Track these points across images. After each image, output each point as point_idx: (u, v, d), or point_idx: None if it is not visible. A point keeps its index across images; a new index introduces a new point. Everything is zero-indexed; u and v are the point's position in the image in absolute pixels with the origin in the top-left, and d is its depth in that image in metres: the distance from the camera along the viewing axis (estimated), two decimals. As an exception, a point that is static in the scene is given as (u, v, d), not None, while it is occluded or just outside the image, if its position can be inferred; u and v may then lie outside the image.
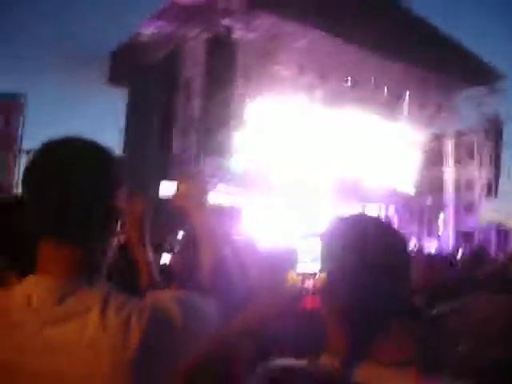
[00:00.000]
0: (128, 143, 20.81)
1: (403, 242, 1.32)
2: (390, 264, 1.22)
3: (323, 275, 1.32)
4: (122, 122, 20.84)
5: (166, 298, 1.23)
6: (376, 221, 1.36)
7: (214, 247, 1.67)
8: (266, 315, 1.33)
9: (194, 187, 1.75)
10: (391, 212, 22.63)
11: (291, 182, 17.82)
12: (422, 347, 1.19)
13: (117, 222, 1.29)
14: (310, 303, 1.38)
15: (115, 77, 20.76)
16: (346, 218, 1.35)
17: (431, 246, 20.60)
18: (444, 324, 1.76)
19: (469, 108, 23.19)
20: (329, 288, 1.27)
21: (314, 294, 1.37)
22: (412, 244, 20.46)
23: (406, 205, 23.43)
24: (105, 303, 1.15)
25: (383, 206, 21.96)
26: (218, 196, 16.01)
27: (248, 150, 17.41)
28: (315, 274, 1.37)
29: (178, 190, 1.76)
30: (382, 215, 20.66)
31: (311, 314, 1.42)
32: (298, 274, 1.40)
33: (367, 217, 1.40)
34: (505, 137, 22.34)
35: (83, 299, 1.16)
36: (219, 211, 14.34)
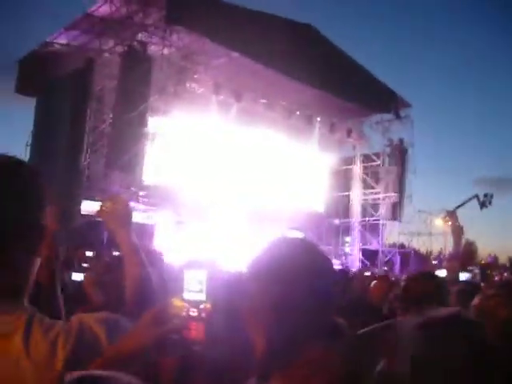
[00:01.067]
0: (35, 156, 19.93)
1: (328, 262, 1.29)
2: (316, 284, 1.19)
3: (208, 305, 1.34)
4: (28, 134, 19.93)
5: (91, 319, 1.23)
6: (303, 242, 1.34)
7: (139, 264, 1.69)
8: (145, 342, 1.28)
9: (119, 206, 1.78)
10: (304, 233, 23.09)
11: (201, 199, 17.80)
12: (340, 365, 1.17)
13: (39, 242, 1.25)
14: (193, 331, 1.37)
15: (24, 86, 19.81)
16: (275, 242, 1.30)
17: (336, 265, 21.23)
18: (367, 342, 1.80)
19: (376, 134, 24.37)
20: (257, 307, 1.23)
21: (197, 322, 1.36)
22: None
23: (316, 225, 24.05)
24: (28, 327, 1.11)
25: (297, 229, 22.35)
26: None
27: (158, 165, 17.17)
28: (201, 303, 1.38)
29: (103, 208, 1.79)
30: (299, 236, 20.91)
31: (194, 342, 1.40)
32: (184, 301, 1.39)
33: (293, 239, 1.34)
34: (408, 163, 23.57)
35: (4, 324, 1.11)
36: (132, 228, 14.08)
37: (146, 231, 14.40)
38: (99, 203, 1.82)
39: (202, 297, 1.38)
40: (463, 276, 4.37)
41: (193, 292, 1.40)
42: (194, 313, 1.37)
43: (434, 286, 2.66)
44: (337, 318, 1.30)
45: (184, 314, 1.37)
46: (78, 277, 4.60)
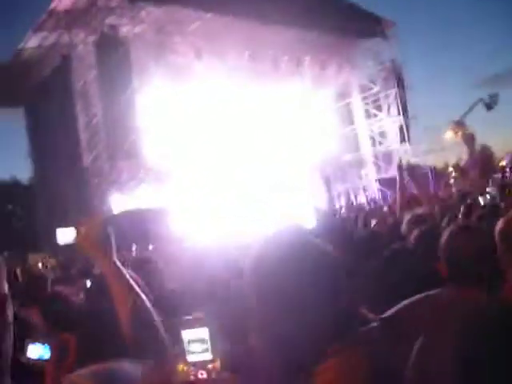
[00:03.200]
0: (38, 163, 19.95)
1: (333, 261, 1.21)
2: (319, 276, 1.13)
3: (217, 363, 1.25)
4: (25, 144, 19.92)
5: (85, 374, 1.15)
6: (299, 235, 1.26)
7: (127, 290, 1.59)
8: None
9: (96, 230, 1.66)
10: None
11: (212, 174, 17.69)
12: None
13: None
14: None
15: (6, 98, 19.58)
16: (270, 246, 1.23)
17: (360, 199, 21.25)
18: (398, 326, 1.70)
19: (368, 61, 23.81)
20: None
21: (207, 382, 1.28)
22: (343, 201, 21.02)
23: (328, 164, 23.90)
24: None
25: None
26: (142, 198, 15.64)
27: (160, 147, 16.99)
28: (208, 363, 1.28)
29: (77, 236, 1.68)
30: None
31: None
32: (189, 364, 1.29)
33: (289, 233, 1.26)
34: (404, 81, 23.08)
35: None
36: (148, 213, 14.07)
37: (161, 214, 14.35)
38: (73, 229, 1.70)
39: (208, 356, 1.26)
40: (481, 200, 4.20)
41: (196, 353, 1.29)
42: (202, 375, 1.27)
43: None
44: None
45: (192, 378, 1.27)
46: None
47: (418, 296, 1.87)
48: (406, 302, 1.86)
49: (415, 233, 2.98)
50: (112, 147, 15.74)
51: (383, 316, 1.80)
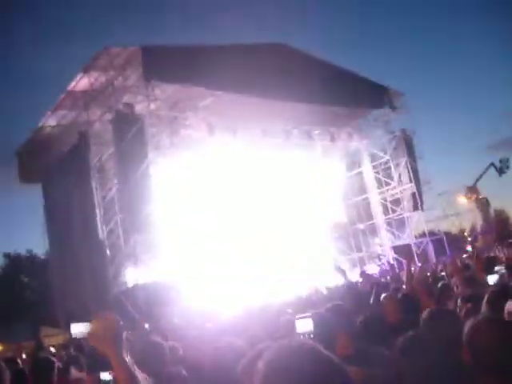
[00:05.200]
0: (53, 237, 20.13)
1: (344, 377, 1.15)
2: None
3: None
4: (42, 219, 20.22)
5: None
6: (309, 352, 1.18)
7: None
8: None
9: (107, 327, 1.74)
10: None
11: (225, 243, 17.81)
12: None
13: None
14: None
15: (26, 175, 20.13)
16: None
17: (373, 270, 20.98)
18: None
19: (377, 130, 24.23)
20: None
21: None
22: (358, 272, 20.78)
23: (342, 235, 23.87)
24: None
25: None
26: (152, 274, 15.60)
27: (172, 221, 17.15)
28: None
29: (91, 330, 1.77)
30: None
31: None
32: None
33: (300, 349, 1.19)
34: (416, 150, 23.40)
35: None
36: (158, 290, 13.99)
37: (174, 287, 14.27)
38: (87, 325, 1.80)
39: None
40: (491, 279, 4.11)
41: None
42: None
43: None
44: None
45: None
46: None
47: None
48: None
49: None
50: (127, 221, 15.92)
51: None
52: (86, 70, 16.30)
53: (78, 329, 1.93)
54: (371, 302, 6.18)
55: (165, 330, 6.56)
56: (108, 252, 16.49)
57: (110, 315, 1.81)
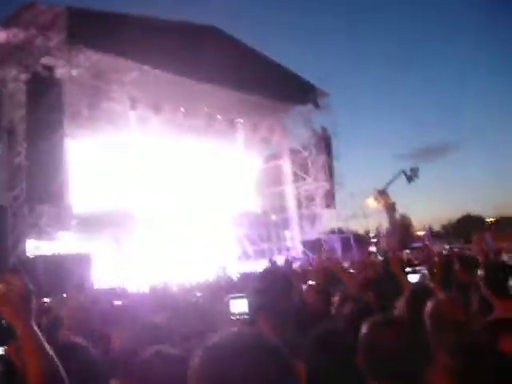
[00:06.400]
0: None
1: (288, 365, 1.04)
2: None
3: None
4: None
5: None
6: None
7: (42, 357, 1.44)
8: None
9: (15, 287, 1.47)
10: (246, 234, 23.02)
11: (137, 218, 17.40)
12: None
13: None
14: None
15: None
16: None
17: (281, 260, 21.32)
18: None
19: (299, 126, 24.65)
20: None
21: None
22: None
23: (254, 224, 24.08)
24: None
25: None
26: (61, 244, 15.01)
27: (86, 192, 16.54)
28: None
29: None
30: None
31: None
32: None
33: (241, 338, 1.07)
34: (334, 149, 24.06)
35: None
36: (68, 260, 13.47)
37: (81, 261, 13.78)
38: None
39: None
40: (412, 278, 4.24)
41: None
42: None
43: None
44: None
45: None
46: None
47: None
48: None
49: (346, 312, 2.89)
50: (34, 189, 15.07)
51: None
52: (6, 24, 15.21)
53: None
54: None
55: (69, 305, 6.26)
56: (9, 220, 15.55)
57: (17, 276, 1.52)
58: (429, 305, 2.18)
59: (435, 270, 4.40)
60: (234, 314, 2.68)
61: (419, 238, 17.48)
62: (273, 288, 3.14)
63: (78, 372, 1.75)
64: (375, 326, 1.84)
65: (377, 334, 1.80)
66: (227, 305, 2.77)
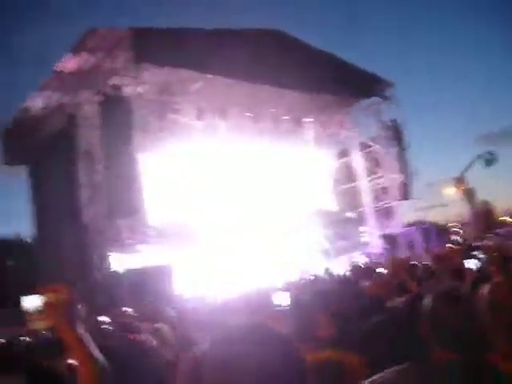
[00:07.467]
0: (39, 220, 19.95)
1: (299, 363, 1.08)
2: None
3: None
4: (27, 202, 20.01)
5: None
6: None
7: (91, 363, 1.56)
8: None
9: (62, 297, 1.62)
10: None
11: (213, 227, 17.68)
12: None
13: None
14: None
15: (11, 158, 19.76)
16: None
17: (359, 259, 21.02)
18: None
19: (367, 119, 24.20)
20: None
21: None
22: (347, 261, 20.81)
23: (331, 222, 23.85)
24: None
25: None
26: (142, 258, 15.55)
27: (162, 204, 17.04)
28: None
29: (44, 303, 1.62)
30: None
31: None
32: None
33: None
34: (404, 140, 23.40)
35: None
36: (150, 272, 13.94)
37: (164, 273, 14.18)
38: (40, 297, 1.64)
39: None
40: (469, 263, 4.07)
41: None
42: None
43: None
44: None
45: None
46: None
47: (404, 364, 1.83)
48: (392, 369, 1.81)
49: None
50: (113, 205, 15.74)
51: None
52: (74, 51, 16.01)
53: (30, 302, 1.75)
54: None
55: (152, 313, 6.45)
56: (92, 236, 16.33)
57: (62, 286, 1.66)
58: (485, 287, 2.13)
59: (494, 254, 4.22)
60: (277, 306, 2.87)
61: (503, 224, 16.58)
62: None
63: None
64: (442, 295, 1.96)
65: (444, 304, 1.90)
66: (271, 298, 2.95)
